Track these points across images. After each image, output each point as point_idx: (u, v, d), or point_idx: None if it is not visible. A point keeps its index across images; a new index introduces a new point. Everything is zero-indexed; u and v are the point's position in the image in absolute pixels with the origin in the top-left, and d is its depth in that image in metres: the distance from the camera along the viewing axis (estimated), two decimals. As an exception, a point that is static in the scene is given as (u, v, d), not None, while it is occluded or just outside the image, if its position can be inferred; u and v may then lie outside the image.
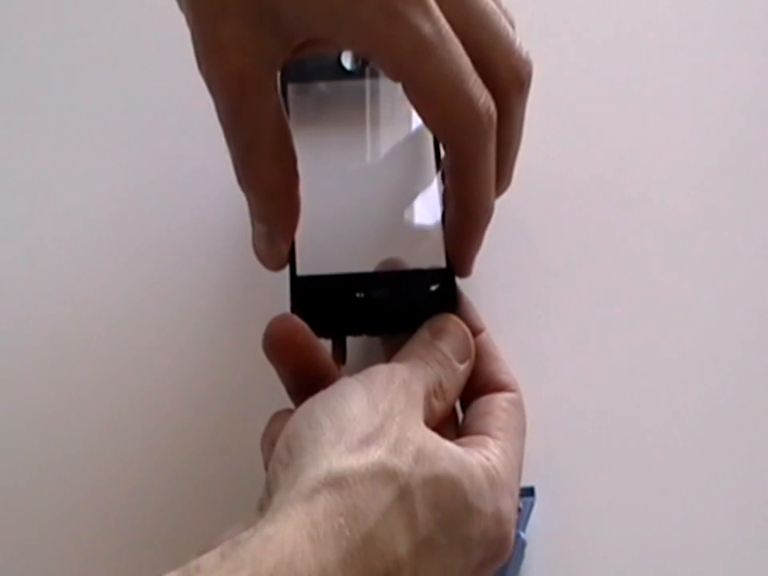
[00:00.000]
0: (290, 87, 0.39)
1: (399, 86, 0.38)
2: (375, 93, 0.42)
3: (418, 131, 0.42)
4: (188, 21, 0.34)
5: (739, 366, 0.43)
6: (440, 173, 0.41)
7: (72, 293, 0.45)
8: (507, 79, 0.35)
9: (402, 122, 0.41)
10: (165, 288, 0.45)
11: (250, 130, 0.35)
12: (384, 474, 0.30)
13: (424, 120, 0.36)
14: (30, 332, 0.44)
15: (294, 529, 0.28)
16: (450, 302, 0.38)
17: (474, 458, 0.33)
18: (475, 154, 0.35)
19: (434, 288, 0.38)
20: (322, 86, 0.43)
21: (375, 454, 0.31)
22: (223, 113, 0.35)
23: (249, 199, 0.37)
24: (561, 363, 0.43)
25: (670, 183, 0.47)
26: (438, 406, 0.35)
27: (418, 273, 0.38)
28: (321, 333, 0.37)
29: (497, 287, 0.43)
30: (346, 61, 0.43)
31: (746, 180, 0.47)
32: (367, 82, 0.42)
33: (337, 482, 0.30)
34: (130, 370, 0.43)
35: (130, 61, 0.50)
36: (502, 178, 0.38)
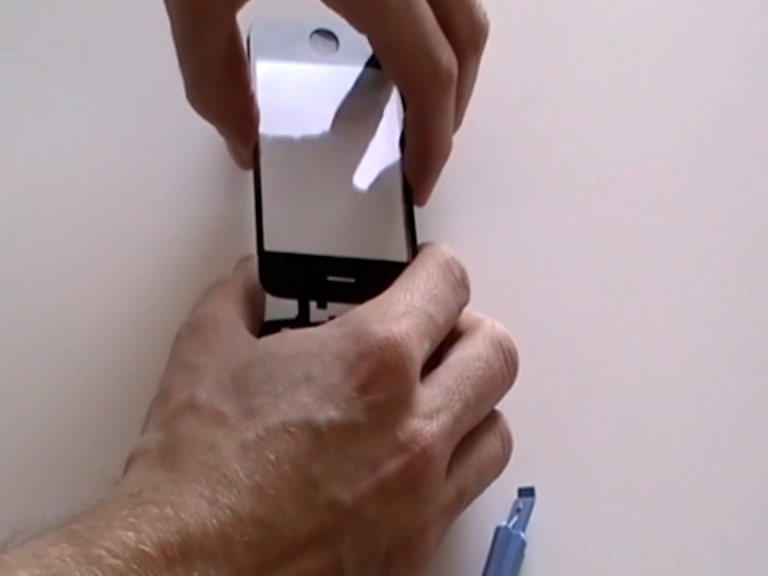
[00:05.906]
0: (258, 66, 0.40)
1: (369, 73, 0.41)
2: (347, 79, 0.42)
3: (388, 118, 0.42)
4: None
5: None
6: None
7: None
8: (464, 40, 0.38)
9: (373, 109, 0.42)
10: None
11: (200, 58, 0.37)
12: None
13: (388, 73, 0.39)
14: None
15: None
16: None
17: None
18: (435, 110, 0.38)
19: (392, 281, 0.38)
20: (291, 68, 0.42)
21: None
22: (177, 37, 0.37)
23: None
24: (561, 362, 0.42)
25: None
26: None
27: (380, 264, 0.39)
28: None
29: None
30: (315, 45, 0.43)
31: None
32: (337, 69, 0.43)
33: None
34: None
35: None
36: (454, 123, 0.41)
